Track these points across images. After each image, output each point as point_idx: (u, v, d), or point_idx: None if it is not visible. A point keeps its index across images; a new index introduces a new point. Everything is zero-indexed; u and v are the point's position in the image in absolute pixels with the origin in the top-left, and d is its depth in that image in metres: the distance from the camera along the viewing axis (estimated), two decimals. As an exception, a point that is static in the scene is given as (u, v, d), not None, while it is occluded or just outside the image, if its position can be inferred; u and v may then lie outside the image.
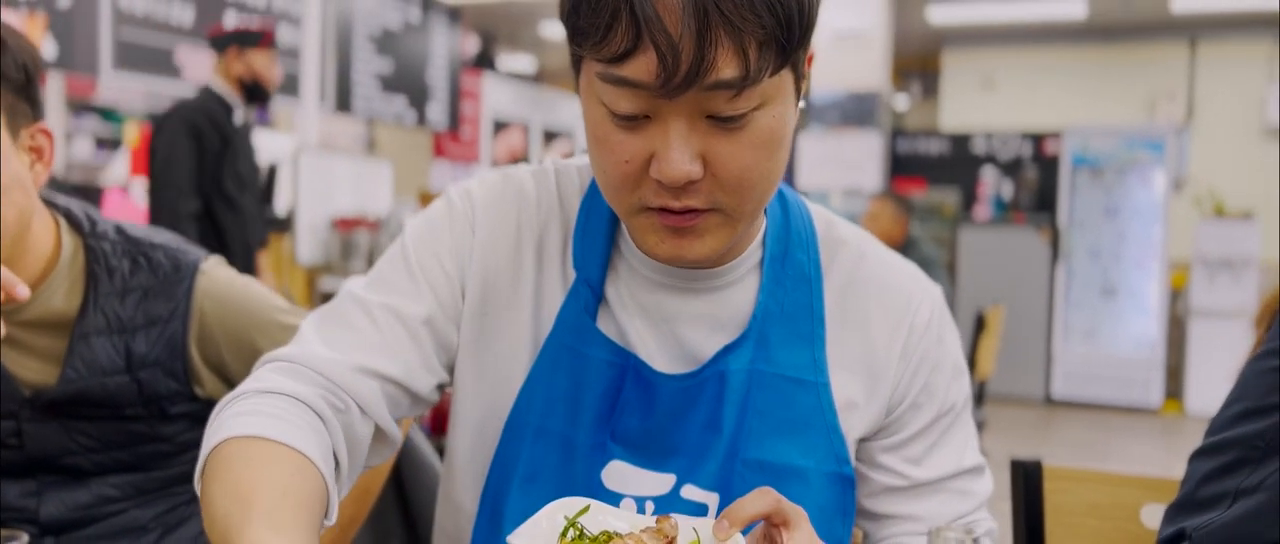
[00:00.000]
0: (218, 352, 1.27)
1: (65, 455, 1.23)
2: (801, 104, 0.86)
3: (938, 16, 8.84)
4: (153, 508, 1.29)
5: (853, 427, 0.95)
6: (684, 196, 0.81)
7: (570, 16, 0.78)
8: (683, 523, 0.76)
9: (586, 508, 0.77)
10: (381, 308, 0.92)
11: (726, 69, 0.74)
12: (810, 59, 0.85)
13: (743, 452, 0.91)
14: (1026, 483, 1.21)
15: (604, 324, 0.94)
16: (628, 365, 0.92)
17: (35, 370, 1.21)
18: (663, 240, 0.85)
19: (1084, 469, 1.18)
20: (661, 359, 0.93)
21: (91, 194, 4.28)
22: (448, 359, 0.96)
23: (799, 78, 0.82)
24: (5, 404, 1.20)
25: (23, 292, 1.02)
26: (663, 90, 0.75)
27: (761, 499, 0.74)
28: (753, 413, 0.91)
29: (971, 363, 4.29)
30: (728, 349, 0.92)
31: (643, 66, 0.74)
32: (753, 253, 0.95)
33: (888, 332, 0.96)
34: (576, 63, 0.83)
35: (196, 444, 1.31)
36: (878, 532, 0.99)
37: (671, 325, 0.94)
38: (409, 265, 0.95)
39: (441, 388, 0.98)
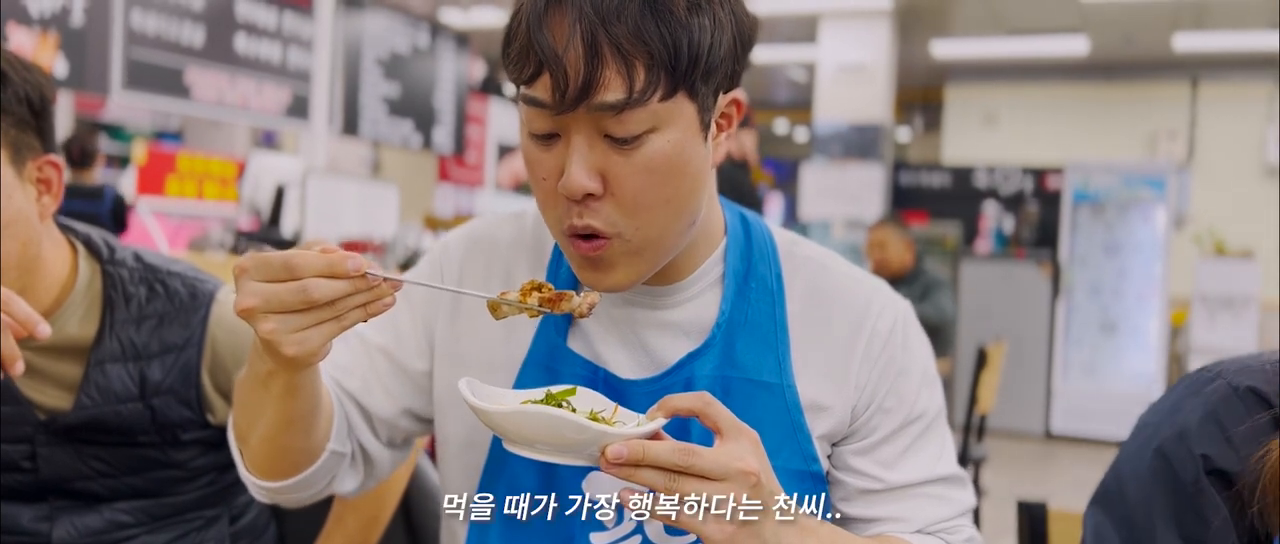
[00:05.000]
0: (229, 380, 1.28)
1: (78, 480, 1.23)
2: (720, 142, 0.92)
3: (941, 51, 8.90)
4: (165, 534, 1.30)
5: (818, 426, 0.98)
6: (586, 214, 0.87)
7: (503, 54, 0.88)
8: (630, 414, 0.84)
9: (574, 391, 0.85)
10: (353, 334, 1.05)
11: (611, 90, 0.82)
12: (740, 106, 0.92)
13: None
14: (1031, 525, 1.22)
15: (575, 343, 0.99)
16: (597, 378, 0.97)
17: (50, 395, 1.22)
18: (580, 268, 0.92)
19: (1088, 513, 1.19)
20: (630, 368, 0.98)
21: (98, 211, 4.28)
22: (413, 389, 1.05)
23: (705, 110, 0.87)
24: (20, 428, 1.21)
25: (44, 330, 1.03)
26: (559, 107, 0.83)
27: (695, 398, 0.80)
28: None
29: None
30: (693, 355, 0.97)
31: (543, 86, 0.83)
32: (712, 267, 1.00)
33: (848, 335, 1.00)
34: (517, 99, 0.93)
35: (208, 470, 1.32)
36: (862, 533, 1.00)
37: (639, 335, 0.99)
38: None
39: (426, 422, 1.07)
